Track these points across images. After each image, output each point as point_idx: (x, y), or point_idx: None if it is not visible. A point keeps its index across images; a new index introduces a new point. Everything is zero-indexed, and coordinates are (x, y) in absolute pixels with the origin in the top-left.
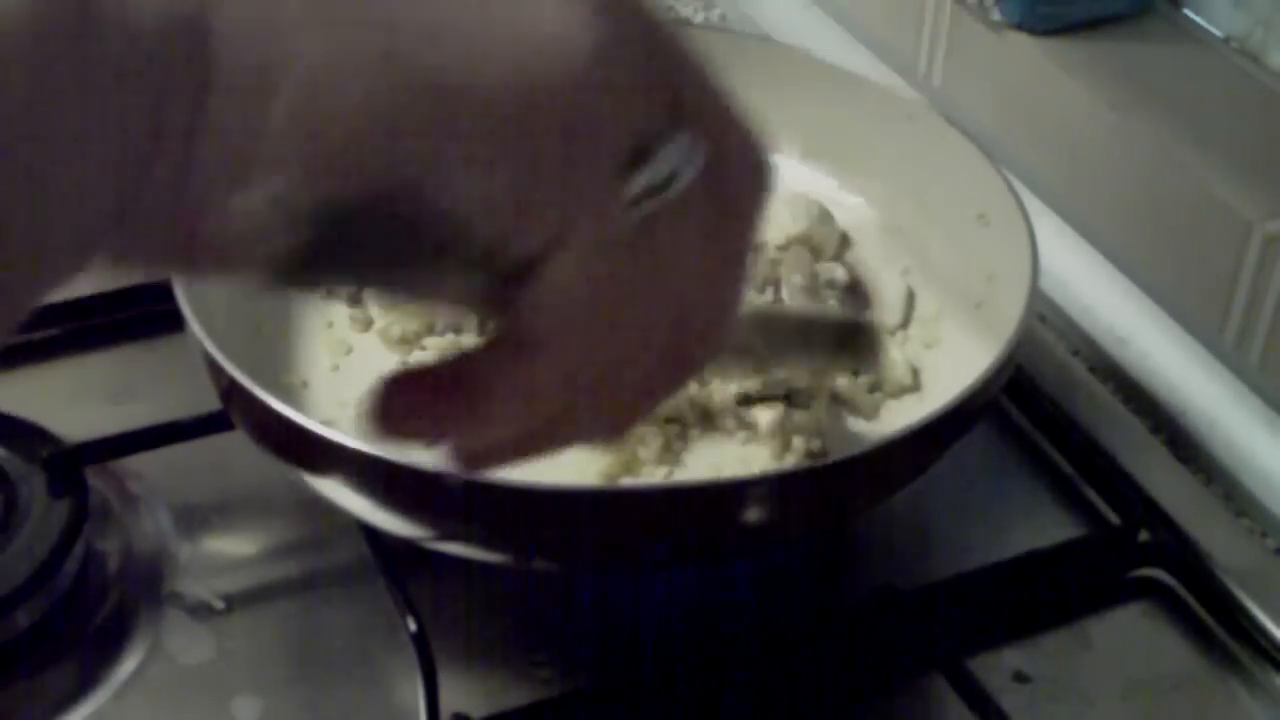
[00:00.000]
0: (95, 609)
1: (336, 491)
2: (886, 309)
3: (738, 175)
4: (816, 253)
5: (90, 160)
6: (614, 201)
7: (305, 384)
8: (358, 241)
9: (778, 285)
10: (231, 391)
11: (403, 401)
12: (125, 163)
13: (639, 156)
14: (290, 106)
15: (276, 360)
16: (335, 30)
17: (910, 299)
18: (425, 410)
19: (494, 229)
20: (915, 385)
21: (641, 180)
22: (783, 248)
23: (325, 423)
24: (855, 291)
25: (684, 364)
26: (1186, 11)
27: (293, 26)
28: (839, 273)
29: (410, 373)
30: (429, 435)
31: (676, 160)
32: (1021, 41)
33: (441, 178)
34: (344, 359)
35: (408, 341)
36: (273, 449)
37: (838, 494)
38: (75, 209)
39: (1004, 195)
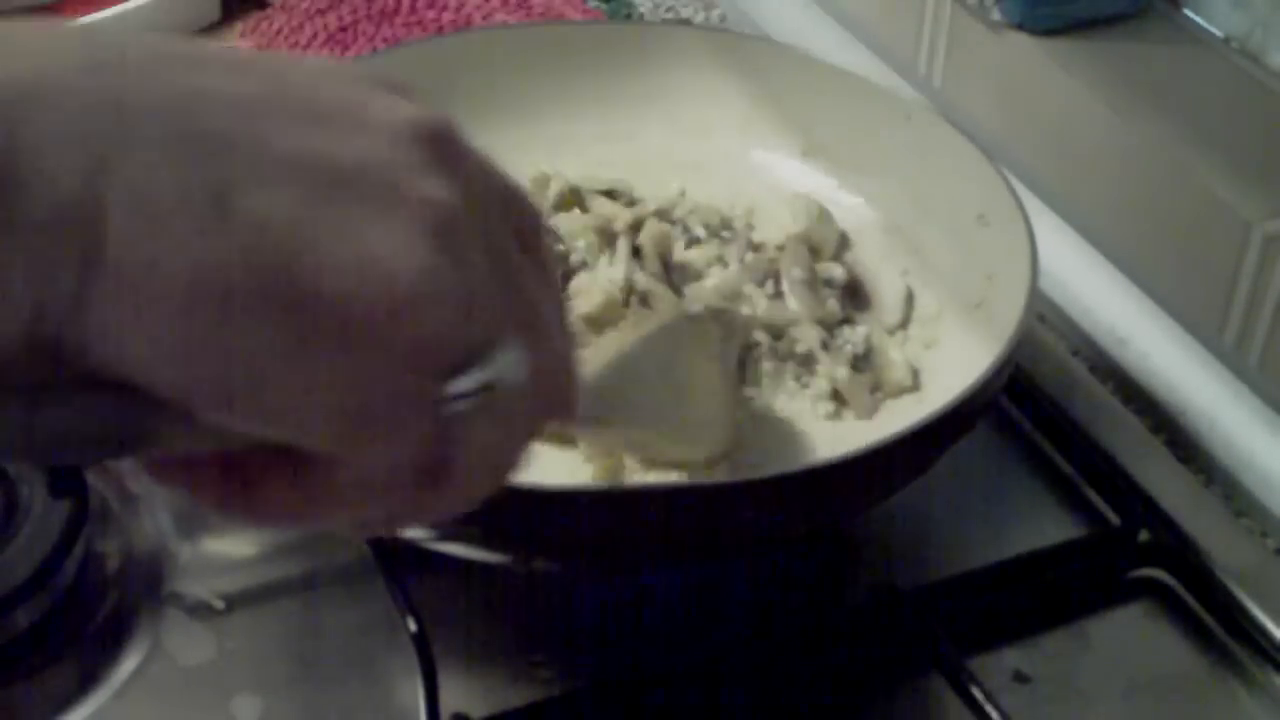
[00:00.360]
0: (95, 609)
1: None
2: (886, 309)
3: (542, 387)
4: (816, 253)
5: None
6: (427, 412)
7: None
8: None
9: (777, 278)
10: None
11: (182, 469)
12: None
13: (461, 366)
14: (167, 305)
15: None
16: (208, 231)
17: (910, 299)
18: (201, 484)
19: (307, 432)
20: (915, 385)
21: (459, 387)
22: (781, 247)
23: None
24: (855, 292)
25: (451, 506)
26: (1186, 11)
27: (175, 228)
28: (838, 272)
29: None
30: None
31: (499, 371)
32: (1021, 41)
33: (272, 388)
34: None
35: None
36: None
37: (837, 494)
38: None
39: (1003, 195)
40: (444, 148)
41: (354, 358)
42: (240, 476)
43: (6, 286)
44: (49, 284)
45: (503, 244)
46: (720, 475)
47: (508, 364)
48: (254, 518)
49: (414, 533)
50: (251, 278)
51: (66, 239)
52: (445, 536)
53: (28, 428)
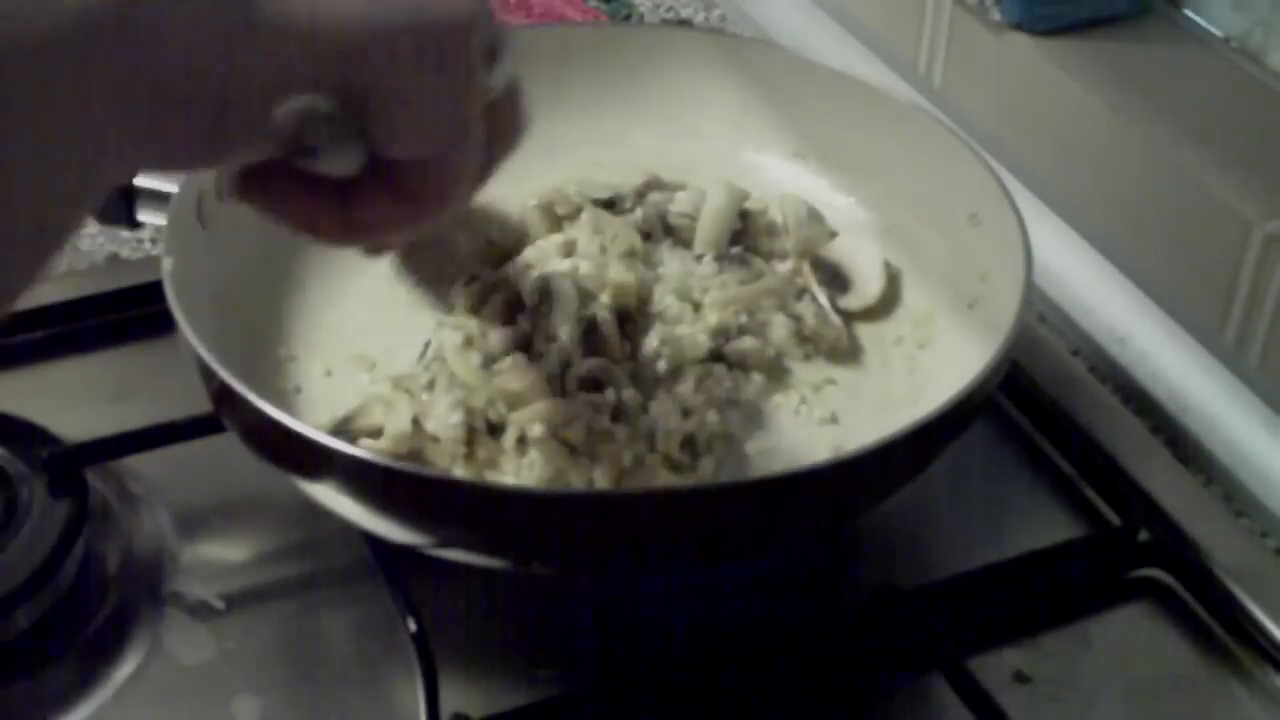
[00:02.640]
0: (95, 609)
1: (329, 497)
2: (867, 280)
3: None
4: (807, 252)
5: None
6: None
7: (298, 389)
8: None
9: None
10: (223, 395)
11: (277, 188)
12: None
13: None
14: (307, 40)
15: (269, 365)
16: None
17: (893, 280)
18: (298, 208)
19: (421, 128)
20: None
21: (496, 77)
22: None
23: (318, 428)
24: (835, 274)
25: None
26: (1186, 11)
27: None
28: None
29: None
30: (291, 224)
31: (509, 68)
32: (1021, 41)
33: (396, 88)
34: (337, 364)
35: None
36: (265, 454)
37: (836, 495)
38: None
39: (995, 194)
40: None
41: (458, 64)
42: (342, 203)
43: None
44: (206, 42)
45: None
46: (721, 477)
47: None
48: (355, 236)
49: (415, 541)
50: (378, 20)
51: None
52: (442, 542)
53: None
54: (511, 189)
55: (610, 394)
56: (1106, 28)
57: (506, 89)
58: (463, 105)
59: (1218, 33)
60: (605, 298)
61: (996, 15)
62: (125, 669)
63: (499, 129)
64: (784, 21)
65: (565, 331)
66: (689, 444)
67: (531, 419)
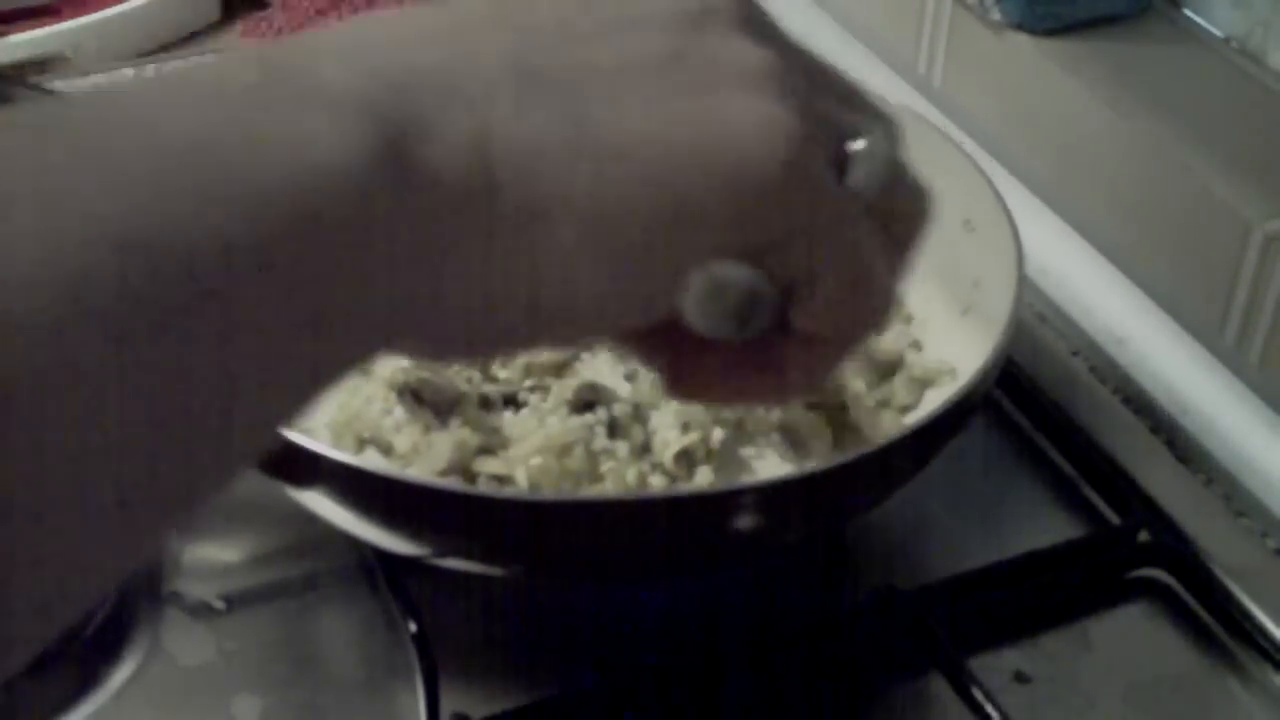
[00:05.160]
0: (95, 609)
1: (318, 503)
2: None
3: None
4: None
5: (388, 293)
6: (847, 212)
7: None
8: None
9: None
10: None
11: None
12: (418, 291)
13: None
14: (577, 229)
15: None
16: (591, 162)
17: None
18: (721, 384)
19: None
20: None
21: (854, 183)
22: None
23: (306, 433)
24: None
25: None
26: (1186, 11)
27: (556, 160)
28: None
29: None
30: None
31: (876, 152)
32: (1021, 41)
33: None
34: None
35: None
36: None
37: (834, 499)
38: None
39: (989, 200)
40: (724, 13)
41: (786, 214)
42: (764, 367)
43: (419, 249)
44: (461, 230)
45: (811, 58)
46: (718, 483)
47: (877, 145)
48: (788, 396)
49: (410, 550)
50: (650, 194)
51: (470, 193)
52: (438, 552)
53: None
54: None
55: (603, 412)
56: (1106, 28)
57: (885, 174)
58: (840, 236)
59: (1218, 33)
60: None
61: (996, 15)
62: (125, 669)
63: (896, 218)
64: (783, 21)
65: None
66: (684, 456)
67: (528, 453)
